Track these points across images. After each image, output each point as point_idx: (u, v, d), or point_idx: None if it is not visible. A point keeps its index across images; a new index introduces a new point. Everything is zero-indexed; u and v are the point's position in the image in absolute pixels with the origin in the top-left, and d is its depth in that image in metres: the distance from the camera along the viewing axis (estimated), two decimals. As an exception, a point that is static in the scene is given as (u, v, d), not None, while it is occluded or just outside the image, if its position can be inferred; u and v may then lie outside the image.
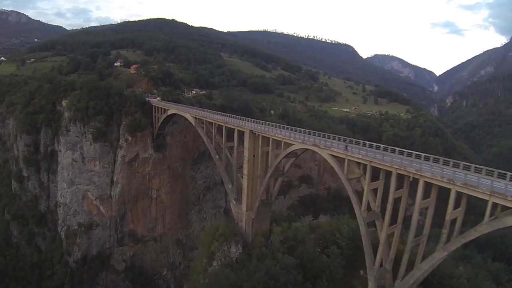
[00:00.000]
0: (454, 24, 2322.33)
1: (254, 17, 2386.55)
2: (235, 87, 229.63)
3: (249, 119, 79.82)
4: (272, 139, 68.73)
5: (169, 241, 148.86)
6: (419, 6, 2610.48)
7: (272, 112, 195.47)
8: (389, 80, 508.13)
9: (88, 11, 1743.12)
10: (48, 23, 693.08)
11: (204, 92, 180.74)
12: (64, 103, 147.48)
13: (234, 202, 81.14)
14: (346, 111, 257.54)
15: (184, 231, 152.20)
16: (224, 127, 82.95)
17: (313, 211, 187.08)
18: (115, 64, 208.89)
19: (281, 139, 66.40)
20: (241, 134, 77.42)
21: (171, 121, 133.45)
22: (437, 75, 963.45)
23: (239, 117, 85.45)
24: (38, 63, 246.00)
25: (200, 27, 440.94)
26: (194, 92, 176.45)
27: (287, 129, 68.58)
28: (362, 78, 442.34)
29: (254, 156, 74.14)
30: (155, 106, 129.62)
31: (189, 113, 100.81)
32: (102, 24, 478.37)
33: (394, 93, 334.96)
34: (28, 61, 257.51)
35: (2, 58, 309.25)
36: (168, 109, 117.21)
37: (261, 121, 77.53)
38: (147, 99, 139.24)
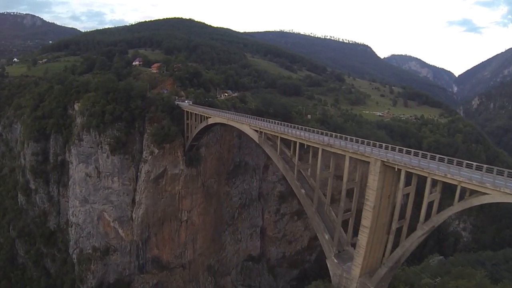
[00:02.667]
0: (471, 21, 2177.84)
1: (270, 17, 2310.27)
2: (264, 88, 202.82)
3: (376, 142, 52.54)
4: (432, 179, 41.95)
5: (199, 268, 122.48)
6: (434, 3, 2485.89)
7: (309, 116, 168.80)
8: (409, 81, 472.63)
9: (102, 14, 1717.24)
10: (63, 26, 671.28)
11: (236, 94, 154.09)
12: (76, 106, 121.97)
13: (335, 261, 54.45)
14: (379, 115, 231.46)
15: (216, 255, 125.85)
16: (320, 151, 55.97)
17: (353, 230, 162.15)
18: (134, 63, 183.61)
19: (456, 182, 39.30)
20: (353, 161, 52.42)
21: (208, 130, 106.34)
22: (456, 75, 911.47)
23: (353, 138, 57.31)
24: (50, 64, 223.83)
25: (218, 27, 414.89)
26: (226, 94, 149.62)
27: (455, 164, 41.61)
28: (382, 79, 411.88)
29: (381, 199, 47.38)
30: (188, 111, 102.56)
31: (248, 125, 73.29)
32: (116, 26, 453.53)
33: (424, 95, 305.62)
34: (40, 62, 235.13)
35: (15, 59, 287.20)
36: (209, 117, 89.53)
37: (401, 149, 49.68)
38: (176, 102, 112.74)
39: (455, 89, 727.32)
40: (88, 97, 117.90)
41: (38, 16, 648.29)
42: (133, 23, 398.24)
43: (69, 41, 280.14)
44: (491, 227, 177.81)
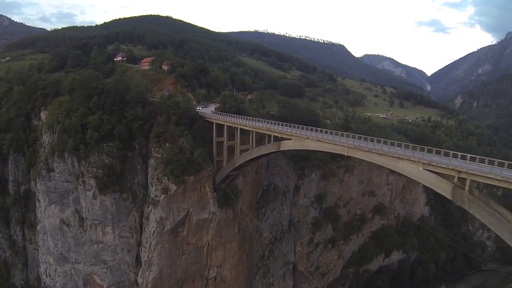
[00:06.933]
0: (440, 22, 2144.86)
1: (243, 17, 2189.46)
2: (264, 89, 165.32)
3: None
4: None
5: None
6: (403, 4, 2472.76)
7: (328, 121, 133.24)
8: (386, 80, 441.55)
9: (73, 16, 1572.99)
10: (32, 26, 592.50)
11: (250, 96, 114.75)
12: (43, 115, 78.61)
13: None
14: (383, 117, 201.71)
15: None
16: None
17: (385, 248, 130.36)
18: (115, 59, 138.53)
19: None
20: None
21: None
22: (428, 74, 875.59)
23: None
24: (14, 62, 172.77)
25: (197, 25, 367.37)
26: (241, 96, 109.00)
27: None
28: (362, 79, 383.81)
29: None
30: (223, 125, 61.40)
31: (416, 163, 35.31)
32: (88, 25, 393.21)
33: (419, 96, 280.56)
34: (2, 60, 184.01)
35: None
36: (289, 138, 48.11)
37: None
38: (197, 109, 71.74)
39: (428, 87, 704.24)
40: (60, 102, 74.81)
41: (5, 16, 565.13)
42: (107, 21, 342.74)
43: (36, 38, 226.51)
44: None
